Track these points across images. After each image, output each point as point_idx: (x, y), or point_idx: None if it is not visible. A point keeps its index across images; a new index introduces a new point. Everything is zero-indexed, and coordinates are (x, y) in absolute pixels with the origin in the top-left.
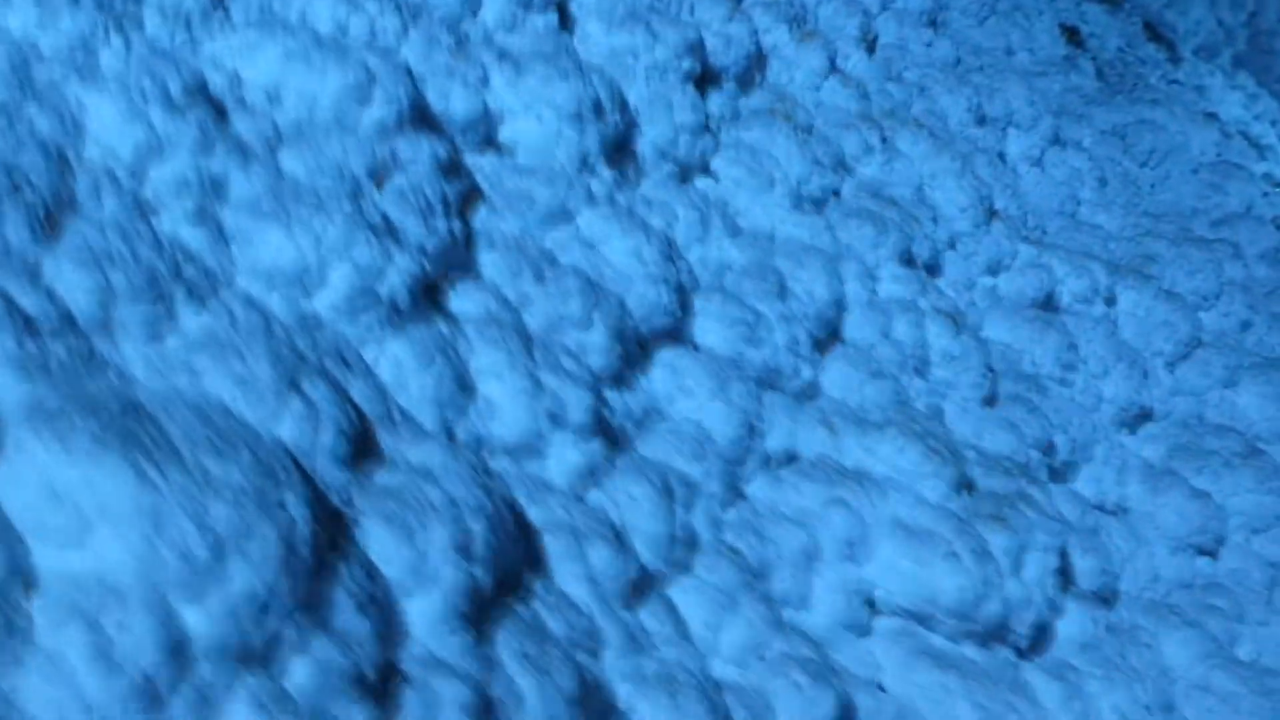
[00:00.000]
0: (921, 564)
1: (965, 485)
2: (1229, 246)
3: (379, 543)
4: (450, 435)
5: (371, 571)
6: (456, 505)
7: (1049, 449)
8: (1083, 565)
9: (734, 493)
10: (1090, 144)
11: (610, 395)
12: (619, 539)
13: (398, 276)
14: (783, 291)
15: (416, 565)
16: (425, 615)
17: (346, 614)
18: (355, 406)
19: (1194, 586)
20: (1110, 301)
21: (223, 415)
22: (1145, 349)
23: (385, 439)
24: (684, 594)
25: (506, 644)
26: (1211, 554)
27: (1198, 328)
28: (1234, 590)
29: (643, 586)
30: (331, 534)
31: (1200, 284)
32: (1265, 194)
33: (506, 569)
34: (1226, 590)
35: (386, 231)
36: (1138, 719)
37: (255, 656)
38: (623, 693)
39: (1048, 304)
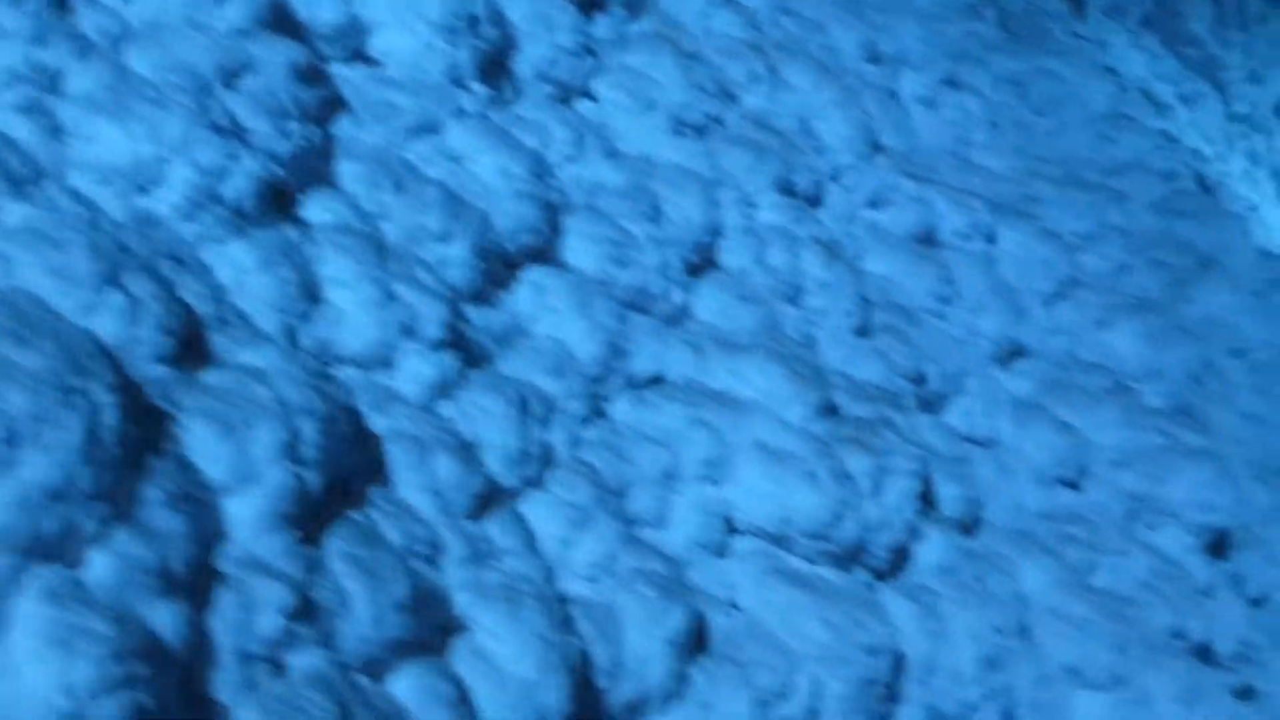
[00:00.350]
0: (780, 485)
1: (829, 410)
2: (1114, 193)
3: (200, 440)
4: (293, 341)
5: (188, 468)
6: (286, 407)
7: (920, 380)
8: (946, 492)
9: (595, 412)
10: (987, 89)
11: (470, 311)
12: (467, 451)
13: (243, 179)
14: (657, 215)
15: (239, 464)
16: (246, 515)
17: (157, 509)
18: (185, 305)
19: (1056, 517)
20: (991, 239)
21: (33, 305)
22: (1023, 287)
23: (216, 339)
24: (536, 509)
25: (335, 549)
26: (1074, 486)
27: (1076, 268)
28: (1094, 521)
29: (491, 500)
30: (148, 430)
31: (1081, 226)
32: (1158, 148)
33: (340, 474)
34: (1087, 521)
35: (234, 133)
36: (989, 640)
37: (48, 547)
38: (461, 602)
39: (928, 239)
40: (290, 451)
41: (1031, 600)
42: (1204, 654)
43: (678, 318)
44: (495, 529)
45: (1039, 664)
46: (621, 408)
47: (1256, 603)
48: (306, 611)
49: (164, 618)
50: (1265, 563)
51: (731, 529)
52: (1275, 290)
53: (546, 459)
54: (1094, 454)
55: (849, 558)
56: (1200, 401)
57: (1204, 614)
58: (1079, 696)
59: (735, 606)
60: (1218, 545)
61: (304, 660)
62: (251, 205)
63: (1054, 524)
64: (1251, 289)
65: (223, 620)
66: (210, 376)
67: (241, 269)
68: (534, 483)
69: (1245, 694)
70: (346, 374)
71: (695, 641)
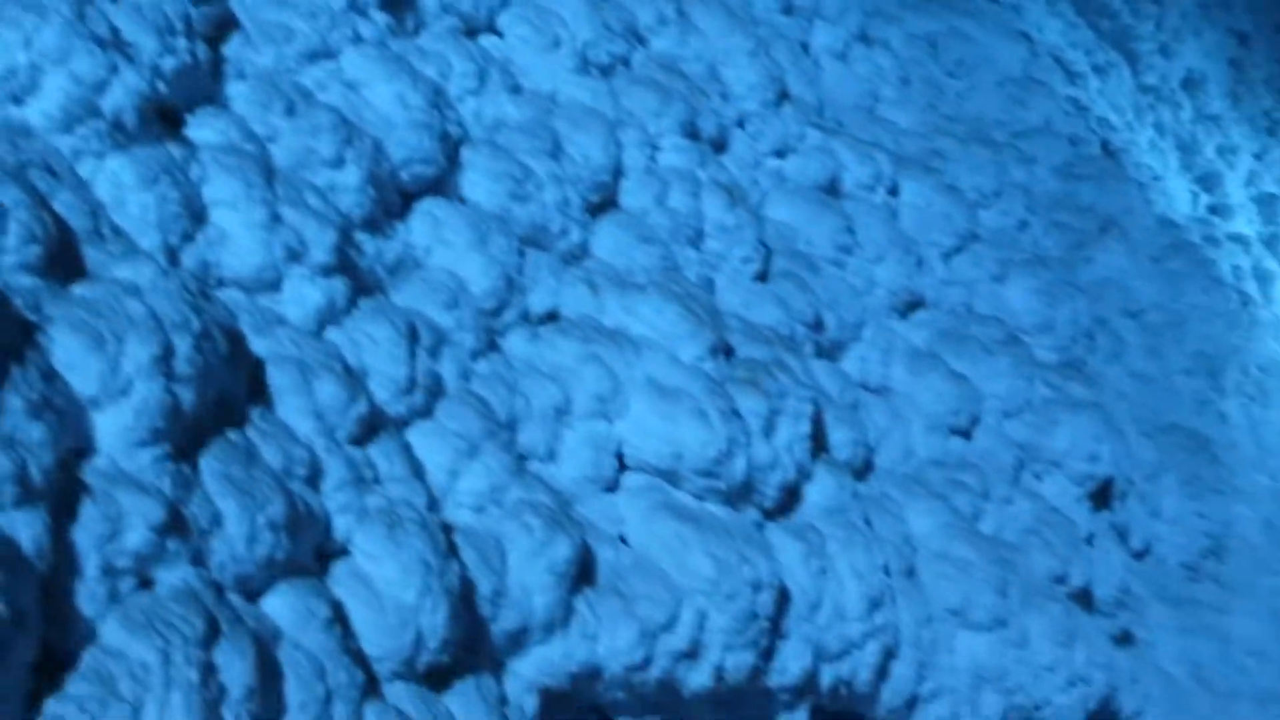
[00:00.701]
0: (672, 422)
1: (723, 350)
2: (1019, 153)
3: (67, 351)
4: (173, 259)
5: (52, 378)
6: (160, 322)
7: (817, 326)
8: (838, 436)
9: (487, 345)
10: (898, 46)
11: (362, 239)
12: (352, 377)
13: (124, 94)
14: (558, 152)
15: (108, 377)
16: (115, 429)
17: (16, 417)
18: (57, 217)
19: (946, 464)
20: (893, 191)
21: None
22: (922, 239)
23: (91, 253)
24: (423, 438)
25: (209, 466)
26: (965, 434)
27: (975, 223)
28: (983, 468)
29: (376, 426)
30: (11, 337)
31: (983, 182)
32: (1066, 114)
33: (217, 393)
34: (976, 468)
35: (115, 46)
36: (874, 579)
37: None
38: (341, 525)
39: (831, 189)
40: (163, 366)
41: (918, 543)
42: (1084, 599)
43: (576, 255)
44: (379, 455)
45: (923, 605)
46: (515, 342)
47: (1138, 555)
48: (176, 527)
49: (22, 526)
50: (1148, 516)
51: (622, 465)
52: (1172, 256)
53: (436, 389)
54: (985, 404)
55: (738, 496)
56: (1091, 358)
57: (1085, 560)
58: (961, 636)
59: (623, 541)
60: (1101, 495)
61: (173, 575)
62: (133, 121)
63: (944, 470)
64: (1149, 254)
65: (87, 532)
66: (82, 289)
67: (121, 185)
68: (422, 412)
69: (1123, 639)
70: (230, 296)
71: (581, 573)
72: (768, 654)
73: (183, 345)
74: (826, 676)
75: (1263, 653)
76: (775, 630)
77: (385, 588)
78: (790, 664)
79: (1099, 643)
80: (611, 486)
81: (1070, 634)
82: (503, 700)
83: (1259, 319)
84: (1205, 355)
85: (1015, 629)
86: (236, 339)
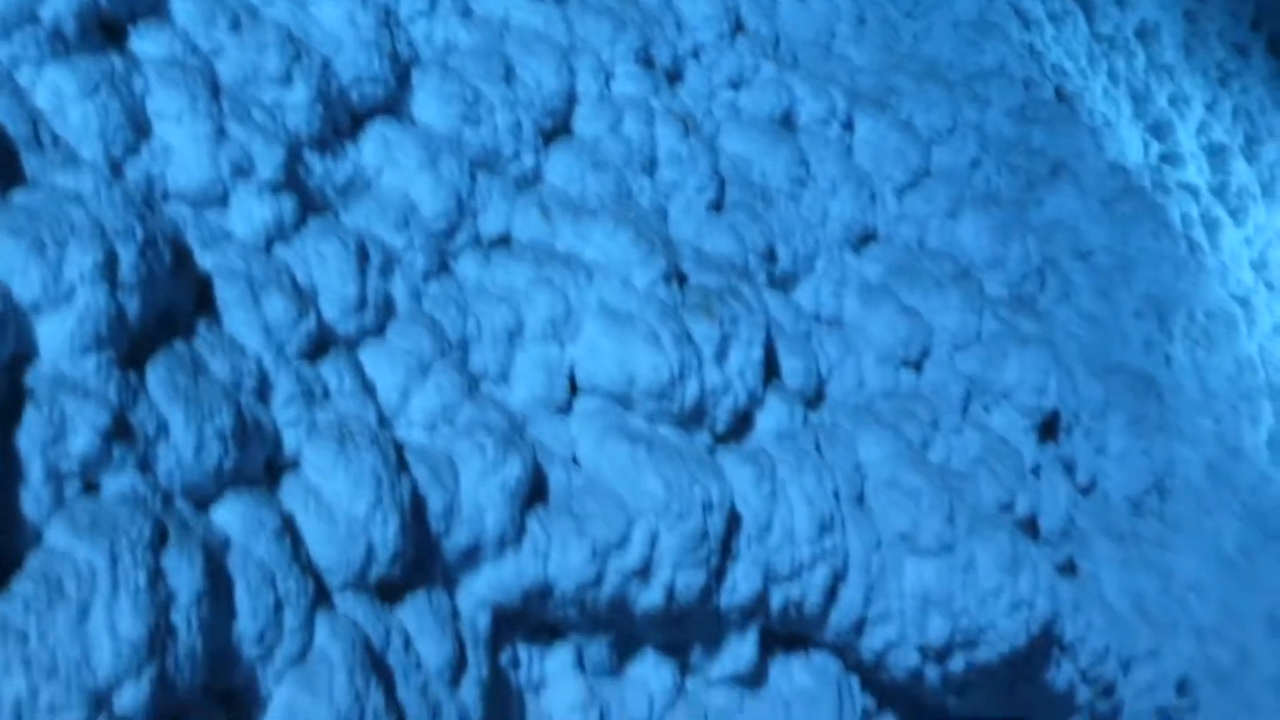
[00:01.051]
0: (624, 346)
1: (676, 277)
2: (973, 94)
3: (7, 257)
4: (116, 171)
5: None
6: (103, 229)
7: (771, 257)
8: (790, 365)
9: (439, 267)
10: None
11: (311, 158)
12: (300, 294)
13: (64, 2)
14: (510, 77)
15: (50, 283)
16: (58, 334)
17: None
18: None
19: (896, 395)
20: (847, 126)
21: None
22: (876, 174)
23: (30, 160)
24: (373, 357)
25: (155, 375)
26: (916, 366)
27: (929, 160)
28: (932, 400)
29: (326, 344)
30: None
31: (937, 120)
32: (1021, 58)
33: (162, 303)
34: (925, 400)
35: None
36: (824, 504)
37: None
38: (290, 439)
39: (785, 121)
40: (106, 273)
41: (868, 471)
42: (1030, 528)
43: (528, 180)
44: (329, 372)
45: (872, 530)
46: (466, 265)
47: (1084, 491)
48: (122, 433)
49: None
50: (1094, 453)
51: (574, 388)
52: (1122, 200)
53: (386, 309)
54: (935, 337)
55: (690, 420)
56: (1041, 297)
57: (1032, 491)
58: (909, 562)
59: (575, 462)
60: (1048, 428)
61: (119, 481)
62: (73, 30)
63: (894, 401)
64: (1099, 197)
65: (30, 437)
66: (21, 196)
67: (61, 94)
68: (372, 331)
69: (1067, 569)
70: (175, 210)
71: (533, 492)
72: (718, 574)
73: (127, 253)
74: (776, 598)
75: (1202, 589)
76: (726, 551)
77: (336, 500)
78: (740, 584)
79: (1043, 570)
80: (564, 409)
81: (1015, 561)
82: (455, 616)
83: (1206, 266)
84: (1153, 299)
85: (962, 555)
86: (182, 251)
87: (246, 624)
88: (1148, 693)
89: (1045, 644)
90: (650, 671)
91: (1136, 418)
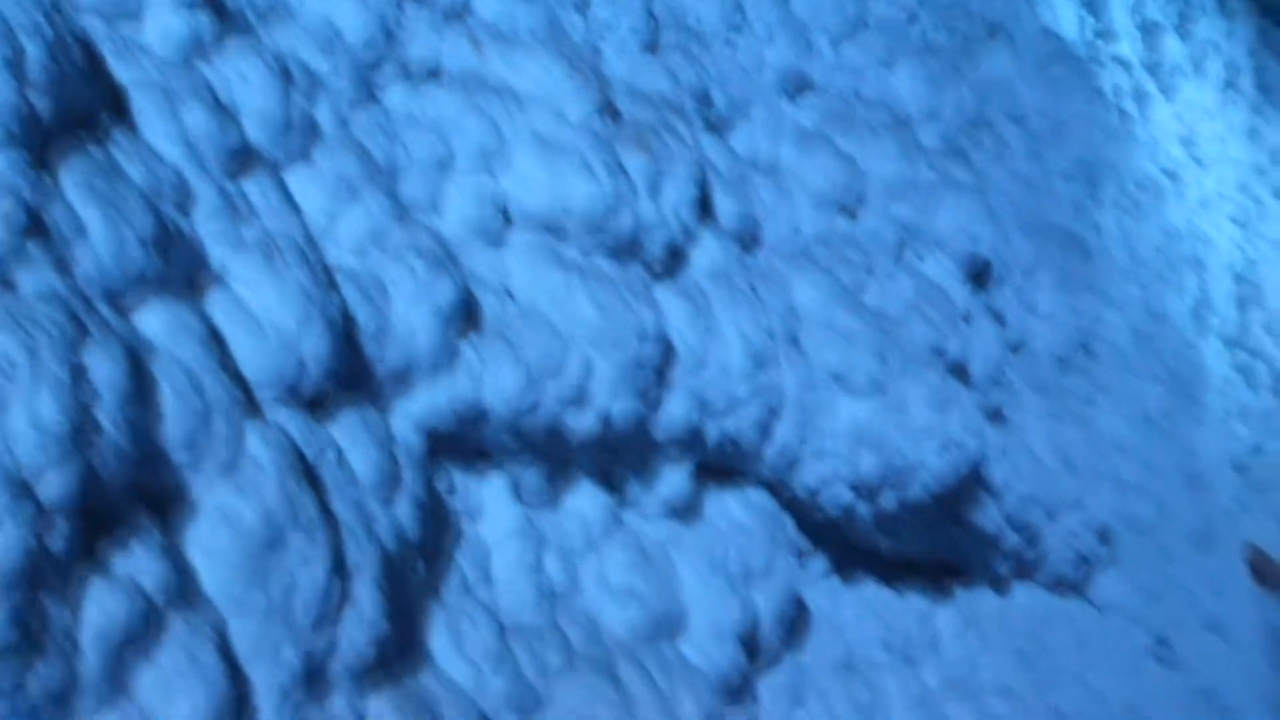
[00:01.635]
0: (557, 176)
1: (610, 111)
2: None
3: None
4: None
5: None
6: (9, 24)
7: (706, 101)
8: (725, 206)
9: (366, 96)
10: None
11: None
12: (223, 109)
13: None
14: None
15: None
16: None
17: None
18: None
19: (831, 241)
20: None
21: None
22: (812, 23)
23: None
24: (299, 179)
25: (70, 178)
26: (850, 213)
27: (865, 11)
28: (867, 246)
29: (249, 161)
30: None
31: None
32: None
33: (76, 107)
34: (860, 246)
35: None
36: (759, 341)
37: None
38: (215, 253)
39: None
40: (14, 70)
41: (802, 312)
42: (959, 372)
43: (457, 13)
44: (254, 190)
45: (806, 369)
46: (394, 95)
47: (1014, 348)
48: (38, 231)
49: None
50: (1023, 310)
51: (507, 219)
52: (1056, 64)
53: (312, 133)
54: (870, 184)
55: (624, 251)
56: (975, 154)
57: (963, 337)
58: (842, 400)
59: (509, 293)
60: (979, 277)
61: (37, 279)
62: None
63: (828, 247)
64: (1034, 61)
65: None
66: None
67: None
68: (297, 154)
69: (996, 416)
70: (89, 23)
71: (466, 317)
72: (654, 405)
73: (35, 50)
74: (712, 431)
75: (1125, 447)
76: (661, 382)
77: (265, 314)
78: (676, 416)
79: (972, 413)
80: (497, 240)
81: (945, 401)
82: (389, 436)
83: (1136, 136)
84: (1085, 164)
85: (894, 395)
86: (95, 57)
87: (174, 428)
88: (1071, 539)
89: (973, 486)
90: (586, 502)
91: (1065, 278)
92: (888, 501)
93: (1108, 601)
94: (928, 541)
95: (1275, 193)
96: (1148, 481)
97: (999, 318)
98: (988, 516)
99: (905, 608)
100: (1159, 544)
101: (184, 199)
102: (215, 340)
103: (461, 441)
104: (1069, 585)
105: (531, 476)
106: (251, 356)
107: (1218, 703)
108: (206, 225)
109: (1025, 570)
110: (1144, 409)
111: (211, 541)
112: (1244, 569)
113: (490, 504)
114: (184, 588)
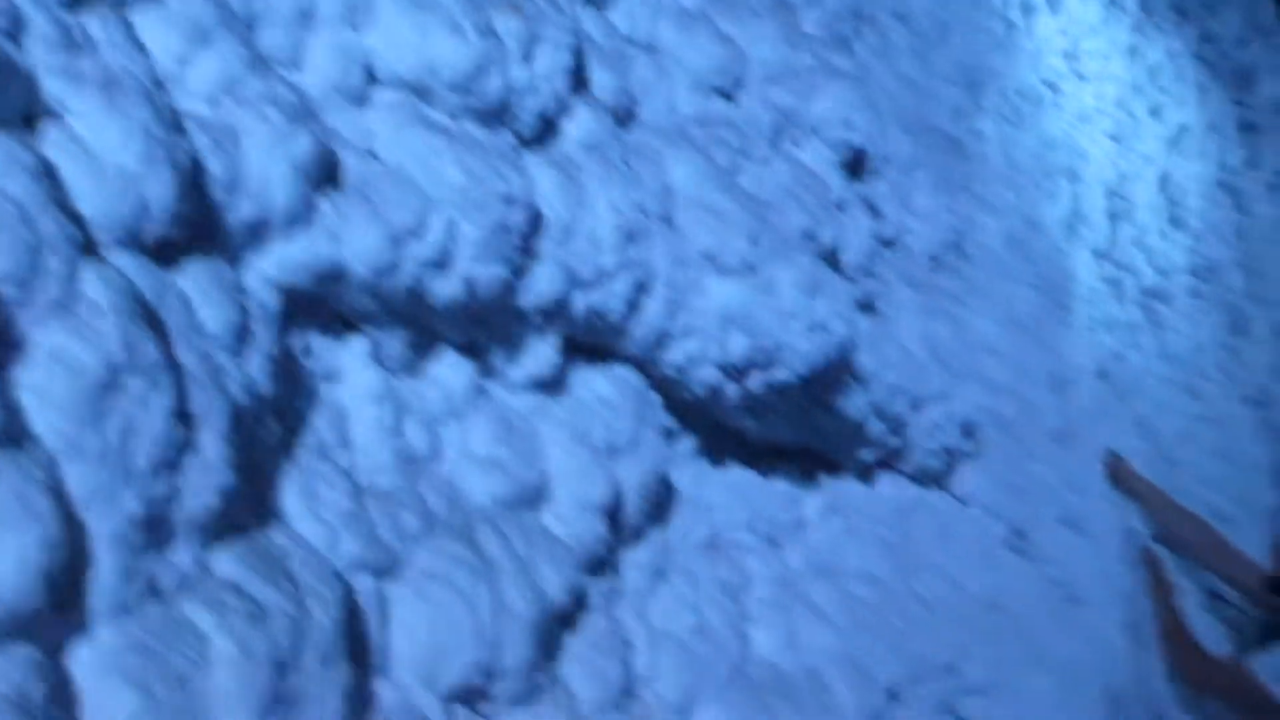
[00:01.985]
0: (423, 34)
1: None
2: None
3: None
4: None
5: None
6: None
7: None
8: (601, 79)
9: None
10: None
11: None
12: None
13: None
14: None
15: None
16: None
17: None
18: None
19: (709, 123)
20: None
21: None
22: None
23: None
24: (146, 19)
25: None
26: (729, 96)
27: None
28: (744, 130)
29: None
30: None
31: None
32: None
33: None
34: (737, 129)
35: None
36: (631, 213)
37: None
38: (51, 87)
39: None
40: None
41: (676, 190)
42: (831, 259)
43: None
44: (95, 25)
45: (678, 246)
46: None
47: (888, 244)
48: None
49: None
50: (899, 206)
51: (371, 77)
52: None
53: None
54: (749, 67)
55: (493, 116)
56: (858, 47)
57: (836, 225)
58: (712, 278)
59: (371, 153)
60: (855, 166)
61: None
62: None
63: (705, 128)
64: None
65: None
66: None
67: None
68: None
69: (866, 306)
70: None
71: (325, 173)
72: (519, 272)
73: None
74: (579, 303)
75: (993, 347)
76: (527, 249)
77: (105, 153)
78: (542, 284)
79: (843, 300)
80: (361, 100)
81: (815, 285)
82: (241, 289)
83: (1021, 46)
84: (967, 68)
85: (764, 276)
86: None
87: (3, 262)
88: (936, 431)
89: (840, 371)
90: (449, 371)
91: (943, 178)
92: (755, 383)
93: (969, 493)
94: (796, 427)
95: (1151, 110)
96: (1013, 381)
97: (874, 210)
98: (855, 404)
99: (772, 491)
100: (1021, 441)
101: (14, 25)
102: (49, 176)
103: (320, 303)
104: (932, 476)
105: (393, 342)
106: (91, 196)
107: (1070, 593)
108: (41, 57)
109: (890, 460)
110: (1013, 312)
111: (43, 381)
112: (1102, 471)
113: (349, 367)
114: (12, 427)
